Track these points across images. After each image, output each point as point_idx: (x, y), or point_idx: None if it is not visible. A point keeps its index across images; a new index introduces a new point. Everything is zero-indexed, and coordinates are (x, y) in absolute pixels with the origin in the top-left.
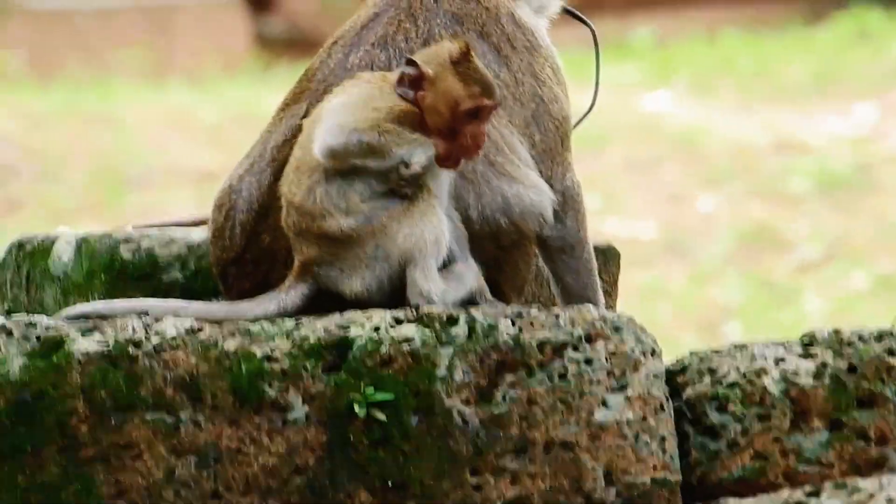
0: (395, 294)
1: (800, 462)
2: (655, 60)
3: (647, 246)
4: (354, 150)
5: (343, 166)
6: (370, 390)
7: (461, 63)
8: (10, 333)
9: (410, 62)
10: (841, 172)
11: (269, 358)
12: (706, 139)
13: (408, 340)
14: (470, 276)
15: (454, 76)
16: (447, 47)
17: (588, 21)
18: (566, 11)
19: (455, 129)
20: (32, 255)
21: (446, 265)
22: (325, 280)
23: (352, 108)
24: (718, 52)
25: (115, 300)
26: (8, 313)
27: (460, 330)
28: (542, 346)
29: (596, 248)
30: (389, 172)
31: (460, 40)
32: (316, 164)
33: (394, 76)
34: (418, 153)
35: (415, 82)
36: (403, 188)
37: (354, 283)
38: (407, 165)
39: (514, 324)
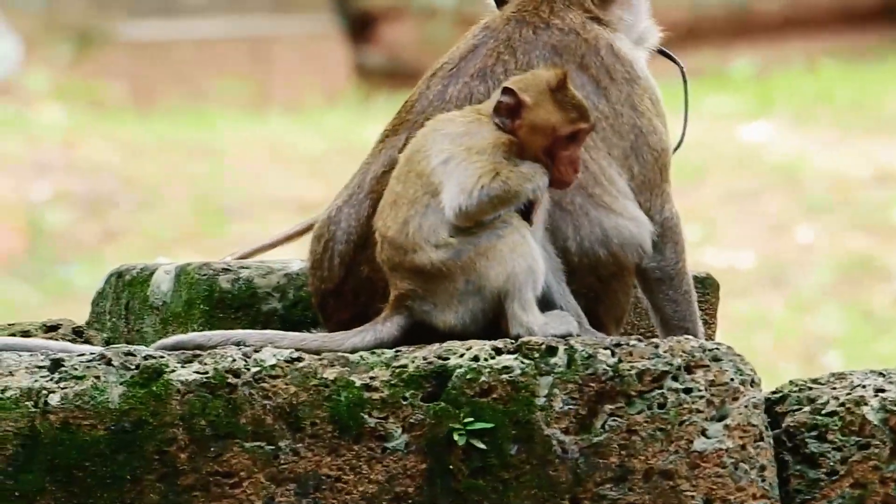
0: (490, 326)
1: None
2: (755, 91)
3: (747, 276)
4: (487, 206)
5: (480, 222)
6: (470, 419)
7: (559, 90)
8: (109, 363)
9: (507, 91)
10: None
11: (368, 387)
12: (805, 170)
13: (507, 370)
14: (571, 316)
15: (552, 103)
16: (543, 75)
17: (676, 59)
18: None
19: (552, 154)
20: (132, 284)
21: (545, 299)
22: (420, 313)
23: (462, 163)
24: (818, 83)
25: (212, 331)
26: (107, 343)
27: (559, 360)
28: (641, 375)
29: (695, 279)
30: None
31: (557, 67)
32: (413, 199)
33: (487, 107)
34: (542, 180)
35: (512, 111)
36: (531, 214)
37: (448, 317)
38: (536, 195)
39: (613, 354)
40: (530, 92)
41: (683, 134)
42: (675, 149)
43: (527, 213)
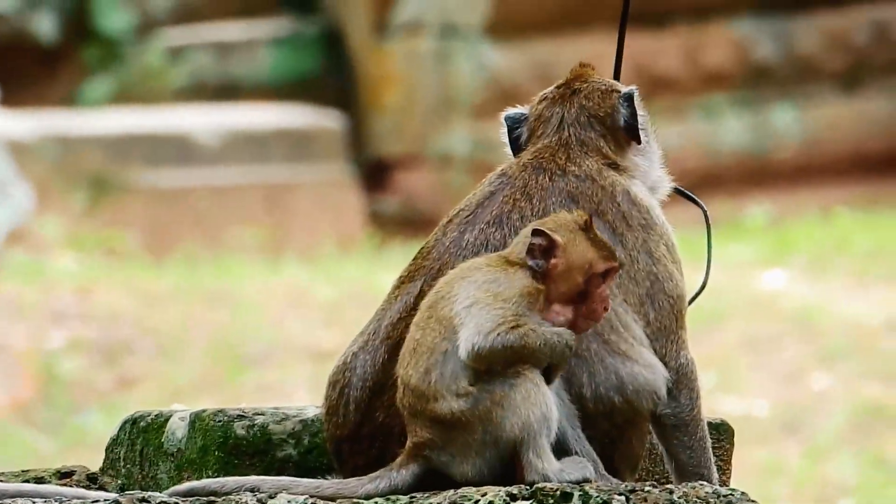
0: (506, 473)
1: None
2: (770, 239)
3: (762, 423)
4: (500, 353)
5: (491, 369)
6: None
7: (588, 230)
8: None
9: (538, 233)
10: None
11: None
12: (821, 318)
13: None
14: (587, 462)
15: (585, 241)
16: (568, 216)
17: (699, 201)
18: (678, 192)
19: (585, 294)
20: (146, 431)
21: (560, 445)
22: (437, 463)
23: (485, 307)
24: (833, 231)
25: (226, 478)
26: (122, 489)
27: None
28: None
29: (709, 425)
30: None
31: (578, 210)
32: (433, 347)
33: (514, 253)
34: (563, 348)
35: (546, 252)
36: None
37: (465, 468)
38: (554, 360)
39: (627, 500)
40: (561, 232)
41: (707, 276)
42: (699, 291)
43: (547, 374)
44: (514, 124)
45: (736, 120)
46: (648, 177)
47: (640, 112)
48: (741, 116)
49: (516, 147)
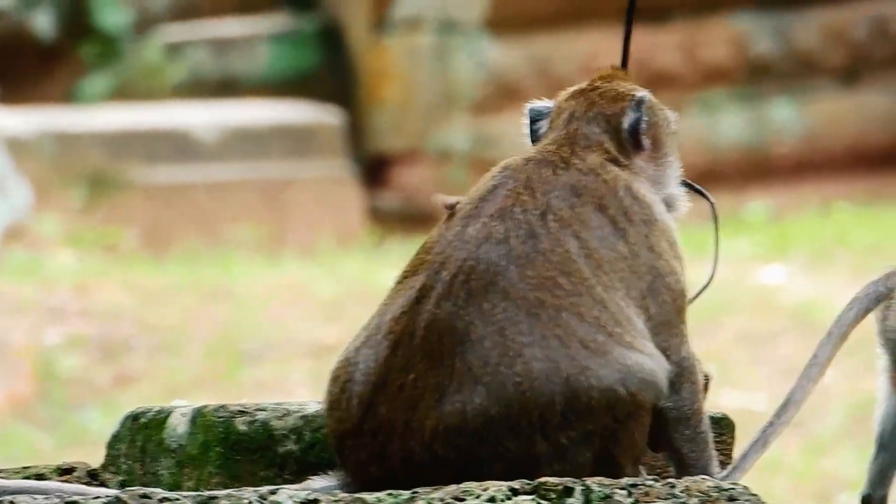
0: None
1: None
2: (770, 234)
3: (762, 418)
4: None
5: None
6: None
7: None
8: None
9: None
10: None
11: None
12: (821, 313)
13: None
14: None
15: None
16: None
17: (708, 195)
18: (686, 184)
19: None
20: (147, 427)
21: None
22: None
23: None
24: (833, 227)
25: None
26: (123, 485)
27: (576, 500)
28: None
29: (711, 419)
30: None
31: None
32: None
33: None
34: None
35: None
36: None
37: None
38: None
39: (629, 494)
40: None
41: (714, 270)
42: (707, 285)
43: None
44: (536, 116)
45: (735, 115)
46: (659, 185)
47: (644, 118)
48: (740, 111)
49: (535, 140)
